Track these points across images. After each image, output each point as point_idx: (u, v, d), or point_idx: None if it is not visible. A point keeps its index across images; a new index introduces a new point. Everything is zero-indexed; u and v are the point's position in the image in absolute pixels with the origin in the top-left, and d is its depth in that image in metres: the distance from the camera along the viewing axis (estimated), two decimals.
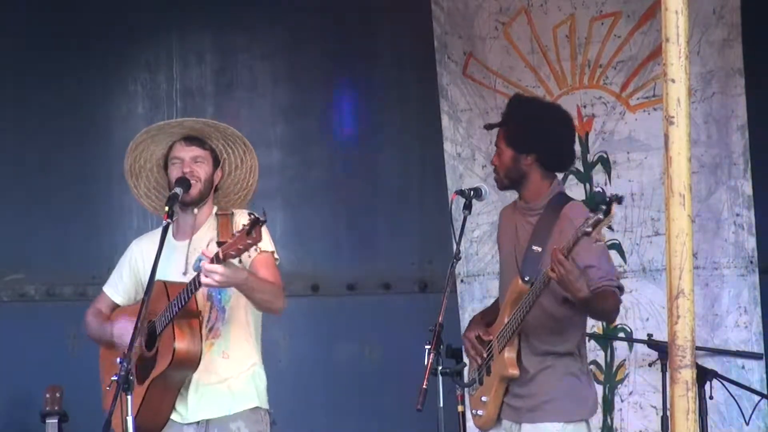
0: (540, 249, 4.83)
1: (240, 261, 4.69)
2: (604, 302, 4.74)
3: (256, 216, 4.38)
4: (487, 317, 5.07)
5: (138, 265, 4.98)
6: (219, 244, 4.53)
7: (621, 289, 4.80)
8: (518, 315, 4.77)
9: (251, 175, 4.97)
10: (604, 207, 4.36)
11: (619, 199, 4.34)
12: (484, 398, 4.87)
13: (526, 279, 4.79)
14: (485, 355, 4.92)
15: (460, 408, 4.87)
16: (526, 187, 4.94)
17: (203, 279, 4.49)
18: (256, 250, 4.48)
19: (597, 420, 6.31)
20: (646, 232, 6.37)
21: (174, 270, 4.83)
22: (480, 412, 4.92)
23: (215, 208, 4.93)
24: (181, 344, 4.69)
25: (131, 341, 4.43)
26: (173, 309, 4.66)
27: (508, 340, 4.83)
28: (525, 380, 4.85)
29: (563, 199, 4.94)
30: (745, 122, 6.25)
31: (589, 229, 4.38)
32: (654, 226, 6.34)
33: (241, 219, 4.72)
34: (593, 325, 6.33)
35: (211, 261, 4.47)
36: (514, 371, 4.82)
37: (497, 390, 4.86)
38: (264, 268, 4.78)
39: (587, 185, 6.48)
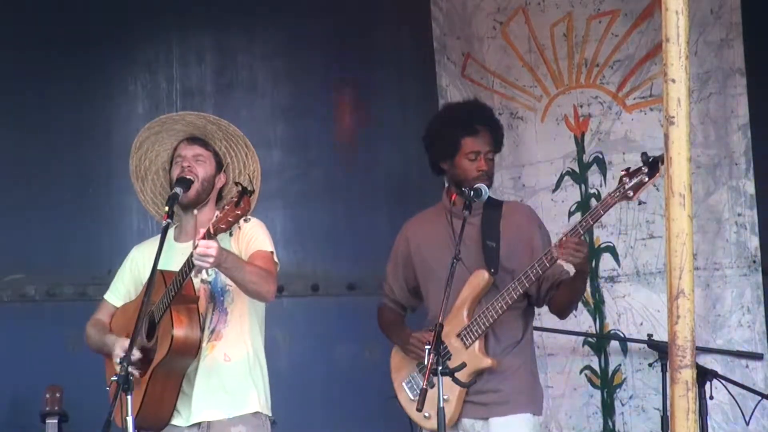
0: (494, 244, 4.87)
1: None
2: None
3: (243, 186, 4.35)
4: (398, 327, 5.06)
5: (139, 270, 4.97)
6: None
7: None
8: (497, 307, 4.78)
9: (254, 182, 4.94)
10: (646, 168, 4.28)
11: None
12: (446, 396, 4.64)
13: (491, 271, 4.83)
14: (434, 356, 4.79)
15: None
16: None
17: (197, 261, 4.45)
18: (246, 220, 4.43)
19: (597, 424, 6.31)
20: (640, 234, 6.35)
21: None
22: None
23: (216, 212, 4.92)
24: (179, 331, 4.66)
25: (131, 340, 4.42)
26: (170, 294, 4.64)
27: (480, 334, 4.82)
28: (493, 374, 4.84)
29: (493, 198, 5.03)
30: (747, 122, 6.23)
31: (631, 193, 4.33)
32: (649, 228, 6.32)
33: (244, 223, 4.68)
34: (587, 330, 6.33)
35: (203, 238, 4.46)
36: (492, 361, 4.82)
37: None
38: (259, 261, 4.74)
39: (582, 186, 6.46)
